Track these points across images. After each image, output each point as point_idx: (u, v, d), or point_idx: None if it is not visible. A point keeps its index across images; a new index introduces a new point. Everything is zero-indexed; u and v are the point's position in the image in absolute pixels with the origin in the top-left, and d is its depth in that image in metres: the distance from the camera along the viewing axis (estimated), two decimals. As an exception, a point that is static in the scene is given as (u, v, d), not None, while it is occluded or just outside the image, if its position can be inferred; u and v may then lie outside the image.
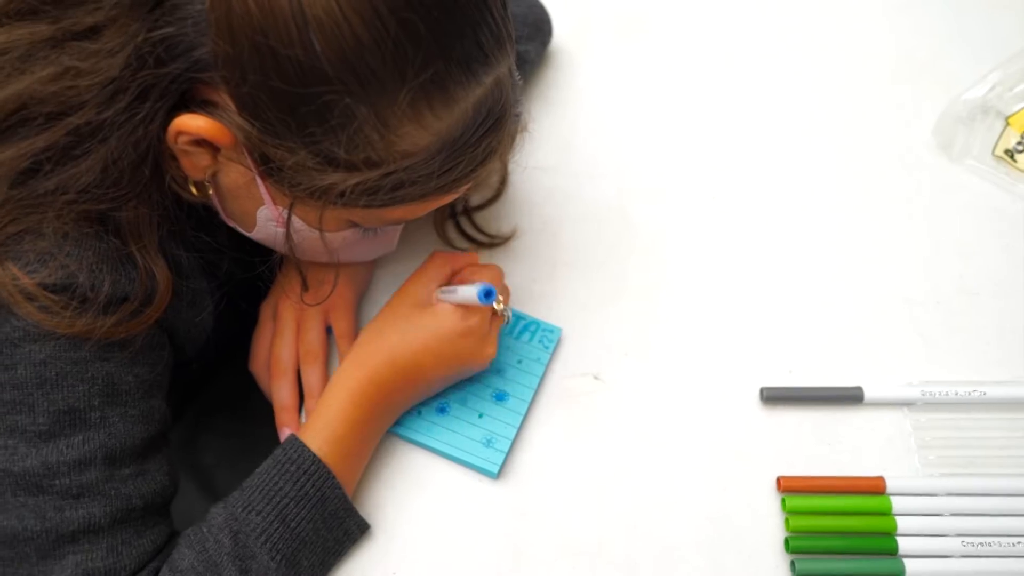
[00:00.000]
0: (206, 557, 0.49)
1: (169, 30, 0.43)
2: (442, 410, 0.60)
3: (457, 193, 0.51)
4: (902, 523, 0.55)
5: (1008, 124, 0.71)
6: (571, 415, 0.61)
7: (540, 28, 0.75)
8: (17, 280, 0.46)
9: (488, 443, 0.58)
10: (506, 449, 0.58)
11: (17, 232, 0.47)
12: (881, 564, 0.54)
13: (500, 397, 0.60)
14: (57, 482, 0.47)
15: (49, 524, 0.47)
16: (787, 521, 0.55)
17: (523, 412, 0.60)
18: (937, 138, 0.72)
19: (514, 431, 0.59)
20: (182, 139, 0.47)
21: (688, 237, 0.69)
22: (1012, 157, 0.70)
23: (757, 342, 0.64)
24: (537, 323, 0.63)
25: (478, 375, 0.61)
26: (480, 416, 0.59)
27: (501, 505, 0.57)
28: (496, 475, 0.58)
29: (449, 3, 0.42)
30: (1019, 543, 0.54)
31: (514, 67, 0.49)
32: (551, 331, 0.63)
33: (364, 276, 0.66)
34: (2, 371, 0.47)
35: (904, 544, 0.54)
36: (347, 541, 0.55)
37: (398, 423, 0.59)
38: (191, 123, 0.45)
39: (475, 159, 0.48)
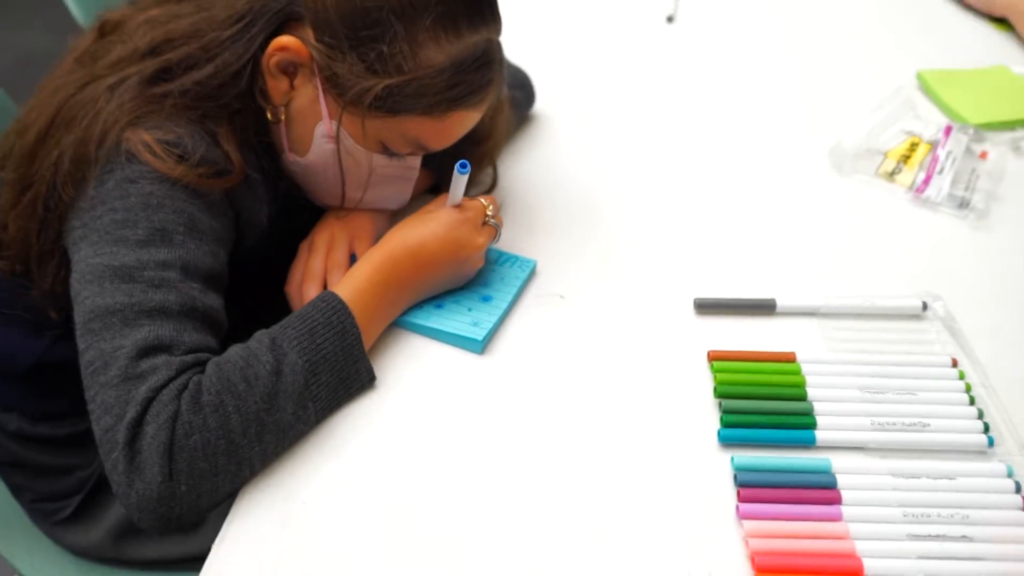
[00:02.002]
0: (247, 351, 0.62)
1: (278, -23, 0.67)
2: (439, 305, 0.74)
3: (458, 119, 0.70)
4: (810, 380, 0.68)
5: (887, 156, 0.93)
6: (541, 319, 0.75)
7: (525, 85, 0.99)
8: (142, 137, 0.65)
9: (475, 324, 0.72)
10: (488, 327, 0.72)
11: (144, 113, 0.67)
12: (794, 406, 0.66)
13: (486, 299, 0.75)
14: (145, 274, 0.62)
15: (134, 300, 0.61)
16: (714, 377, 0.68)
17: (504, 307, 0.74)
18: (831, 160, 0.93)
19: (496, 318, 0.73)
20: (273, 59, 0.68)
21: (641, 205, 0.87)
22: (892, 176, 0.91)
23: (693, 267, 0.80)
24: (518, 257, 0.80)
25: (468, 285, 0.76)
26: (469, 309, 0.74)
27: (483, 376, 0.70)
28: (480, 349, 0.71)
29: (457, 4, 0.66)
30: (904, 396, 0.66)
31: (500, 49, 0.72)
32: (528, 262, 0.79)
33: (381, 221, 0.83)
34: (119, 199, 0.64)
35: (812, 393, 0.67)
36: (356, 381, 0.67)
37: (404, 315, 0.73)
38: (283, 40, 0.67)
39: (471, 85, 0.69)
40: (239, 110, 0.71)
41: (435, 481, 0.62)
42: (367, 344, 0.68)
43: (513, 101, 0.94)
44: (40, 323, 0.80)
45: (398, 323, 0.73)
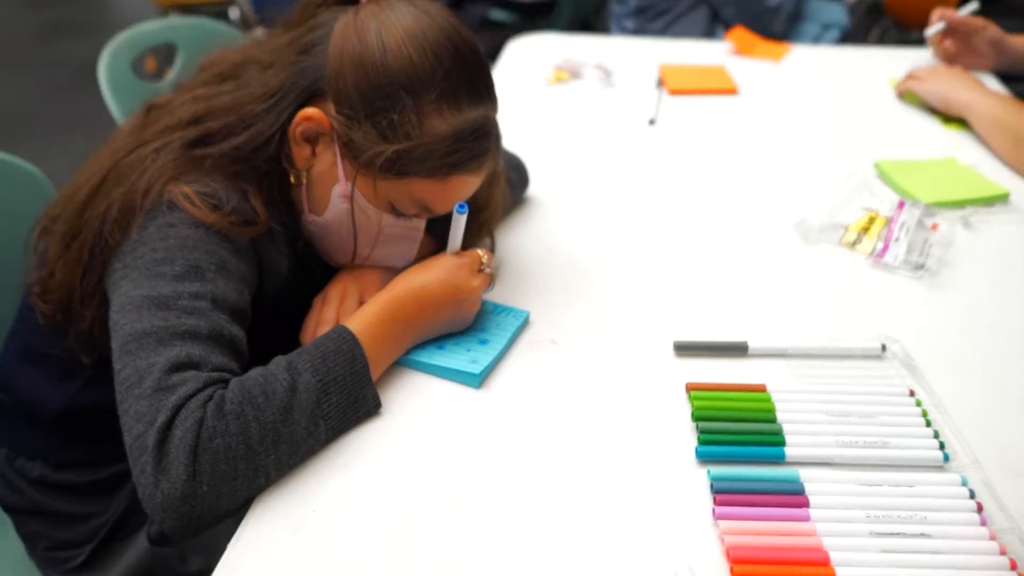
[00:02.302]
0: (266, 371, 0.69)
1: (310, 61, 0.78)
2: (440, 347, 0.81)
3: (458, 184, 0.80)
4: (779, 406, 0.74)
5: (847, 229, 1.02)
6: (534, 361, 0.82)
7: (520, 169, 1.10)
8: (182, 189, 0.74)
9: (472, 361, 0.79)
10: (485, 364, 0.79)
11: (185, 171, 0.77)
12: (764, 427, 0.72)
13: (483, 342, 0.82)
14: (179, 303, 0.70)
15: (168, 324, 0.68)
16: (692, 404, 0.74)
17: (500, 348, 0.81)
18: (798, 232, 1.02)
19: (492, 356, 0.80)
20: (299, 129, 0.79)
21: (627, 267, 0.95)
22: (853, 245, 1.00)
23: (673, 317, 0.87)
24: (513, 308, 0.88)
25: (467, 331, 0.83)
26: (468, 350, 0.81)
27: (480, 408, 0.76)
28: (477, 384, 0.78)
29: (469, 58, 0.77)
30: (865, 419, 0.72)
31: (497, 124, 0.83)
32: (522, 312, 0.87)
33: (389, 278, 0.91)
34: (160, 240, 0.73)
35: (781, 416, 0.73)
36: (364, 405, 0.73)
37: (408, 353, 0.80)
38: (309, 111, 0.77)
39: (471, 152, 0.79)
40: (267, 172, 0.81)
41: (436, 497, 0.67)
42: (374, 375, 0.75)
43: (510, 181, 1.05)
44: (70, 369, 0.88)
45: (402, 361, 0.80)
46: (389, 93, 0.75)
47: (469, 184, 0.82)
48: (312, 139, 0.80)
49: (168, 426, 0.63)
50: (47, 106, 3.32)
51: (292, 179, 0.83)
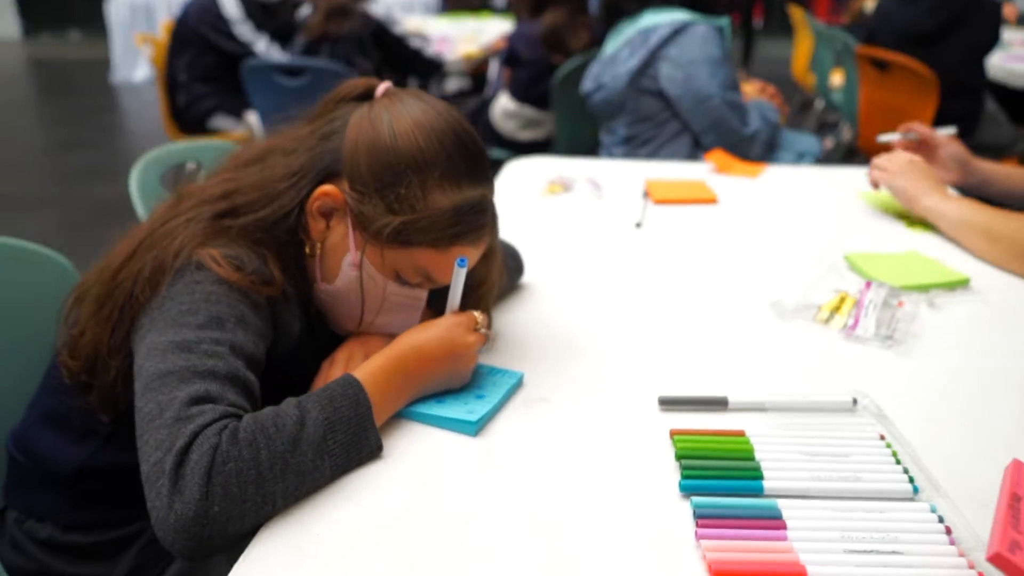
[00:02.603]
0: (277, 408, 0.75)
1: (328, 146, 0.89)
2: (440, 401, 0.87)
3: (458, 255, 0.89)
4: (758, 447, 0.78)
5: (820, 308, 1.10)
6: (528, 415, 0.87)
7: (516, 256, 1.19)
8: (209, 252, 0.83)
9: (470, 411, 0.85)
10: (482, 413, 0.84)
11: (213, 237, 0.86)
12: (743, 464, 0.76)
13: (479, 396, 0.88)
14: (201, 347, 0.76)
15: (189, 364, 0.75)
16: (675, 446, 0.79)
17: (495, 401, 0.87)
18: (775, 311, 1.10)
19: (488, 408, 0.85)
20: (316, 204, 0.88)
21: (616, 337, 1.01)
22: (826, 322, 1.07)
23: (658, 380, 0.93)
24: (508, 370, 0.94)
25: (464, 388, 0.89)
26: (465, 403, 0.86)
27: (477, 455, 0.81)
28: (474, 431, 0.83)
29: (469, 145, 0.88)
30: (839, 457, 0.77)
31: (493, 204, 0.93)
32: (516, 373, 0.93)
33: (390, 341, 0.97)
34: (186, 295, 0.80)
35: (759, 455, 0.77)
36: (367, 446, 0.78)
37: (410, 406, 0.85)
38: (325, 188, 0.87)
39: (469, 226, 0.88)
40: (286, 242, 0.90)
41: (432, 533, 0.71)
42: (377, 421, 0.80)
43: (505, 265, 1.13)
44: (88, 430, 0.93)
45: (403, 413, 0.85)
46: (397, 172, 0.85)
47: (468, 255, 0.90)
48: (327, 213, 0.89)
49: (186, 450, 0.68)
50: (71, 241, 3.48)
51: (307, 249, 0.91)
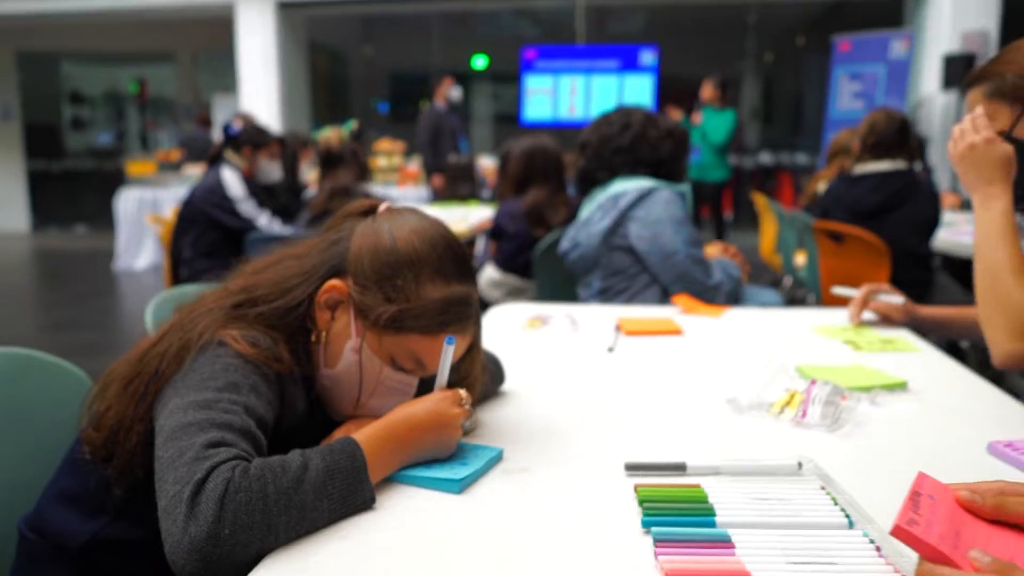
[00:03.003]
0: (283, 456, 0.85)
1: (336, 250, 1.05)
2: (428, 467, 0.96)
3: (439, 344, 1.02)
4: (711, 494, 0.88)
5: (772, 405, 1.21)
6: (508, 481, 0.96)
7: (497, 363, 1.31)
8: (229, 332, 0.96)
9: (455, 473, 0.94)
10: (465, 474, 0.93)
11: (232, 322, 0.99)
12: (698, 505, 0.85)
13: (463, 463, 0.97)
14: (218, 405, 0.87)
15: (208, 417, 0.85)
16: (638, 494, 0.88)
17: (478, 466, 0.96)
18: (731, 408, 1.21)
19: (471, 471, 0.95)
20: (323, 297, 1.02)
21: (591, 417, 1.11)
22: (778, 415, 1.18)
23: (626, 450, 1.03)
24: (489, 446, 1.03)
25: (450, 458, 0.98)
26: (451, 468, 0.96)
27: (462, 512, 0.89)
28: (458, 489, 0.92)
29: (457, 250, 1.05)
30: (785, 501, 0.86)
31: (477, 302, 1.08)
32: (497, 448, 1.03)
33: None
34: (208, 366, 0.93)
35: (712, 499, 0.87)
36: (361, 495, 0.87)
37: (400, 472, 0.95)
38: (332, 283, 1.02)
39: (456, 316, 1.02)
40: (295, 330, 1.03)
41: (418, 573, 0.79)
42: (372, 479, 0.89)
43: (487, 369, 1.25)
44: (100, 506, 1.01)
45: (395, 477, 0.95)
46: (395, 268, 1.00)
47: (456, 343, 1.03)
48: (333, 305, 1.03)
49: (203, 482, 0.78)
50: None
51: (314, 337, 1.04)
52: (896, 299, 1.76)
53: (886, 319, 1.77)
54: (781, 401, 1.22)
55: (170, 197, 7.32)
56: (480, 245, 4.05)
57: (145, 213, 7.37)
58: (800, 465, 0.97)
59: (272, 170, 3.76)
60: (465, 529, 0.85)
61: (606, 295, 2.30)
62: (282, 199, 3.82)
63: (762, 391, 1.26)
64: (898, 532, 0.68)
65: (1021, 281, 1.30)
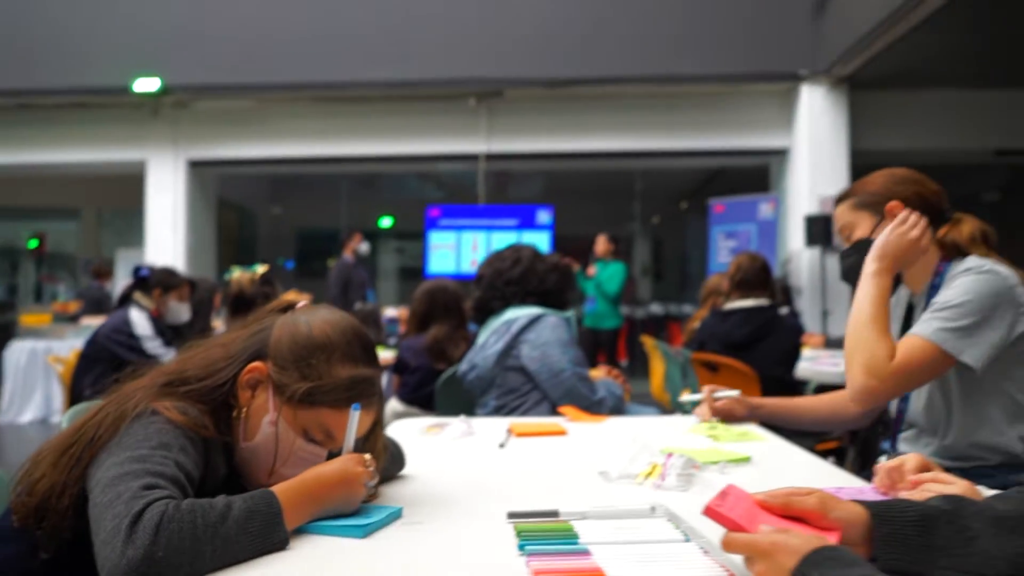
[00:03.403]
0: (209, 500, 0.98)
1: (258, 338, 1.22)
2: (335, 519, 1.10)
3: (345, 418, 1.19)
4: (575, 526, 1.05)
5: (637, 475, 1.41)
6: (405, 532, 1.11)
7: (397, 446, 1.46)
8: (162, 403, 1.11)
9: (358, 521, 1.08)
10: (368, 522, 1.08)
11: (164, 396, 1.14)
12: (564, 533, 1.02)
13: (367, 515, 1.12)
14: (152, 459, 1.01)
15: (143, 467, 0.99)
16: (516, 528, 1.05)
17: (379, 518, 1.11)
18: (602, 477, 1.40)
19: (374, 519, 1.09)
20: (246, 376, 1.19)
21: (481, 489, 1.27)
22: (642, 482, 1.38)
23: (509, 505, 1.19)
24: (390, 506, 1.18)
25: (355, 513, 1.13)
26: (356, 519, 1.10)
27: (362, 554, 1.03)
28: (362, 534, 1.06)
29: (364, 339, 1.24)
30: (635, 527, 1.05)
31: (380, 385, 1.26)
32: (397, 508, 1.17)
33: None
34: (142, 430, 1.06)
35: (576, 530, 1.04)
36: (276, 536, 1.00)
37: (311, 524, 1.08)
38: (254, 365, 1.19)
39: (361, 393, 1.20)
40: (219, 404, 1.18)
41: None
42: (287, 525, 1.03)
43: (388, 449, 1.40)
44: (25, 571, 1.09)
45: (307, 528, 1.08)
46: (310, 350, 1.18)
47: (360, 419, 1.20)
48: (254, 385, 1.19)
49: (140, 513, 0.91)
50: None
51: (235, 413, 1.19)
52: (731, 393, 2.03)
53: (731, 415, 2.01)
54: (644, 472, 1.42)
55: (65, 347, 7.16)
56: (384, 380, 4.20)
57: (37, 364, 7.15)
58: (653, 509, 1.16)
59: (181, 311, 3.86)
60: (367, 567, 0.99)
61: (501, 412, 2.48)
62: (189, 336, 3.89)
63: (629, 464, 1.46)
64: (708, 511, 0.88)
65: (877, 332, 1.58)
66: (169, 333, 3.76)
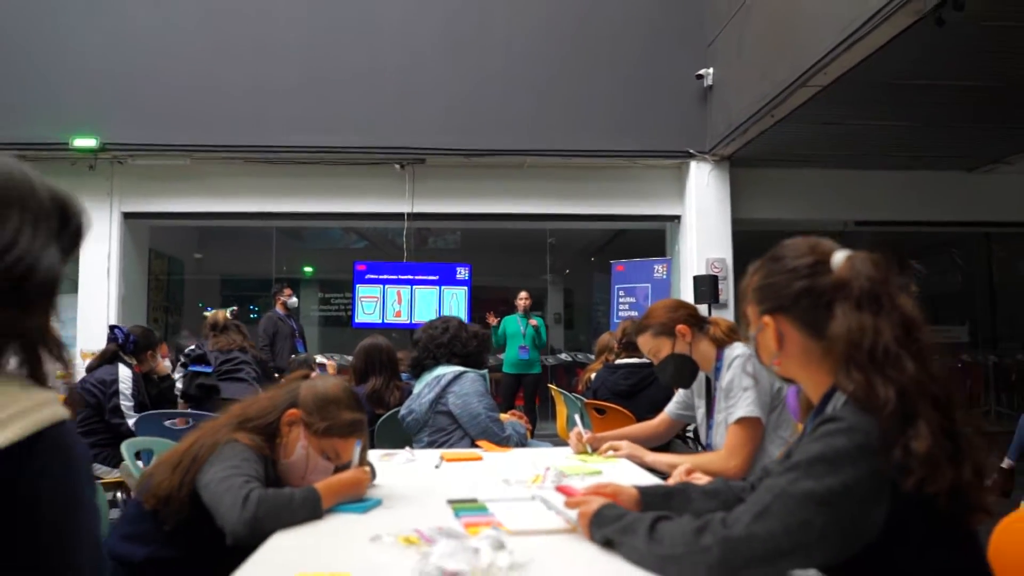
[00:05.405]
0: (280, 490, 1.73)
1: (292, 395, 1.98)
2: (348, 504, 1.85)
3: (349, 445, 1.95)
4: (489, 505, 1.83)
5: (529, 480, 2.19)
6: (382, 511, 1.86)
7: (372, 465, 2.21)
8: (239, 434, 1.85)
9: (361, 503, 1.84)
10: (365, 505, 1.83)
11: (238, 431, 1.88)
12: (480, 506, 1.80)
13: (364, 501, 1.87)
14: (242, 468, 1.75)
15: (240, 471, 1.74)
16: (452, 507, 1.82)
17: (369, 504, 1.86)
18: (504, 483, 2.18)
19: (367, 504, 1.85)
20: (286, 418, 1.94)
21: (426, 489, 2.02)
22: (531, 485, 2.16)
23: (445, 492, 1.96)
24: (375, 499, 1.93)
25: (360, 501, 1.87)
26: (358, 504, 1.85)
27: (359, 520, 1.78)
28: (363, 511, 1.81)
29: (355, 396, 2.02)
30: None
31: (367, 424, 2.03)
32: (378, 499, 1.93)
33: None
34: (229, 451, 1.81)
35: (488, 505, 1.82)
36: (317, 512, 1.76)
37: (333, 508, 1.82)
38: (290, 412, 1.94)
39: (356, 430, 1.97)
40: (268, 435, 1.92)
41: (336, 550, 1.68)
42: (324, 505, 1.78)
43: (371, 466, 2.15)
44: (153, 538, 1.79)
45: (333, 509, 1.82)
46: (326, 402, 1.95)
47: (360, 439, 1.96)
48: (290, 423, 1.94)
49: (247, 495, 1.65)
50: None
51: (278, 440, 1.93)
52: (582, 430, 2.85)
53: (597, 446, 2.82)
54: (532, 478, 2.21)
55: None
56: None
57: None
58: (533, 498, 1.95)
59: (166, 364, 4.50)
60: (366, 525, 1.74)
61: (433, 445, 3.23)
62: (156, 388, 4.48)
63: (523, 474, 2.25)
64: (558, 489, 1.67)
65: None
66: (143, 391, 4.28)
